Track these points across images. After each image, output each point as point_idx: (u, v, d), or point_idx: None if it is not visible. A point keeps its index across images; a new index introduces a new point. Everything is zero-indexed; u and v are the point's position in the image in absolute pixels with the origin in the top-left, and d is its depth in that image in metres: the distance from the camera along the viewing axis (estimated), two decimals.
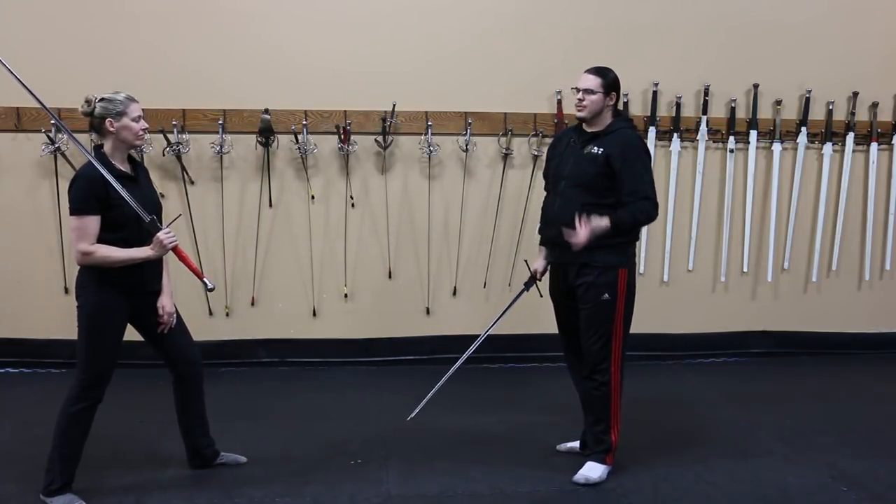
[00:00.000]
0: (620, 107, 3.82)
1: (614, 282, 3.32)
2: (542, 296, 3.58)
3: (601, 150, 3.31)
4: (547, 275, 3.59)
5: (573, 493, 3.30)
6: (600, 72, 3.35)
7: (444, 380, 3.61)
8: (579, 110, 3.36)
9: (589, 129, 3.40)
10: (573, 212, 3.25)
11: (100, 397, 3.08)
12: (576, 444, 3.67)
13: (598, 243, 3.27)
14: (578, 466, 3.43)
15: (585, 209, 3.25)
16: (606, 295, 3.32)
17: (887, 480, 3.44)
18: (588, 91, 3.32)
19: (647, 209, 3.32)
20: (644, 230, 5.00)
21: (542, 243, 3.60)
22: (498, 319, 3.68)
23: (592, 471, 3.37)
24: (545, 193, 3.57)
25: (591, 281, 3.33)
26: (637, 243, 3.54)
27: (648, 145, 4.94)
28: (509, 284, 4.96)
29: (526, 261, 3.69)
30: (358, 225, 4.93)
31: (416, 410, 3.59)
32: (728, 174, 5.09)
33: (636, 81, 4.91)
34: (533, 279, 3.62)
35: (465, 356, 3.66)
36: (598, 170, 3.29)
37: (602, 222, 3.23)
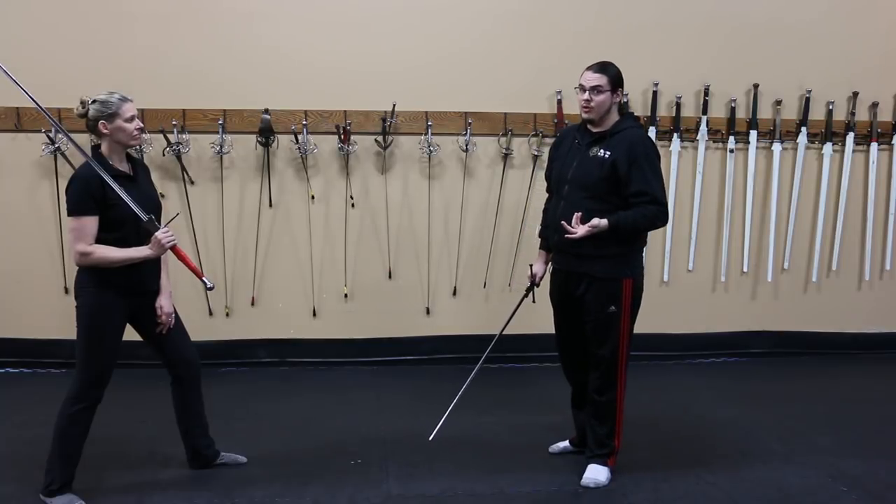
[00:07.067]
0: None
1: (619, 293, 3.25)
2: (534, 302, 3.50)
3: (607, 153, 3.17)
4: (547, 277, 3.52)
5: (573, 494, 3.31)
6: (605, 68, 3.20)
7: (460, 393, 3.55)
8: (587, 111, 3.21)
9: (594, 130, 3.26)
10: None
11: (99, 398, 3.08)
12: (566, 443, 3.67)
13: (601, 252, 3.19)
14: (578, 466, 3.43)
15: (589, 215, 3.15)
16: (612, 308, 3.25)
17: (887, 480, 3.44)
18: (596, 90, 3.17)
19: (653, 213, 3.18)
20: None
21: (542, 247, 3.54)
22: (503, 329, 3.62)
23: (599, 474, 3.35)
24: (547, 195, 3.50)
25: (595, 292, 3.26)
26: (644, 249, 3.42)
27: None
28: (509, 285, 4.96)
29: (531, 265, 3.56)
30: (358, 225, 4.93)
31: (437, 430, 3.48)
32: (728, 174, 5.09)
33: (636, 81, 4.90)
34: (532, 284, 3.52)
35: (476, 369, 3.59)
36: (604, 174, 3.17)
37: (600, 222, 3.12)
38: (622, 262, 3.26)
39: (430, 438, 3.47)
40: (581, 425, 3.59)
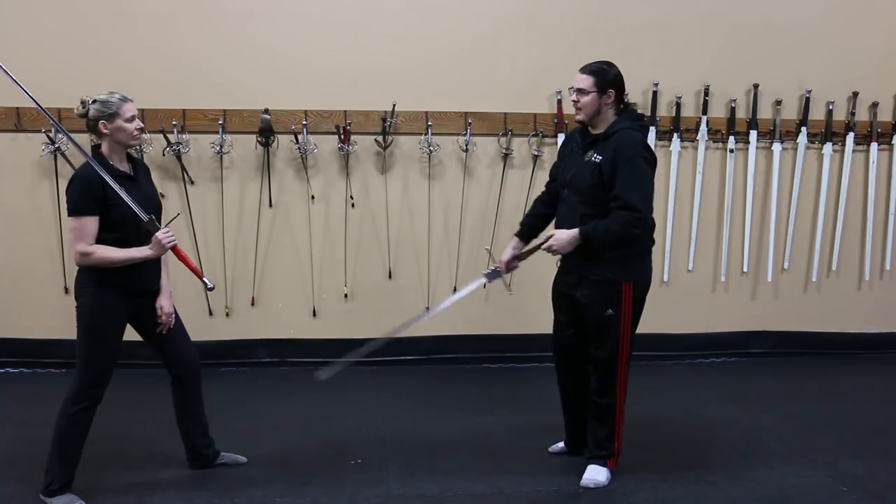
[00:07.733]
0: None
1: (617, 297, 3.22)
2: (511, 293, 3.48)
3: (598, 157, 3.14)
4: (550, 277, 3.53)
5: (573, 494, 3.31)
6: (594, 70, 3.17)
7: (369, 347, 3.46)
8: (576, 113, 3.24)
9: (592, 132, 3.24)
10: (574, 221, 3.19)
11: (99, 398, 3.08)
12: (562, 444, 3.66)
13: (596, 255, 3.17)
14: (578, 466, 3.43)
15: (584, 219, 3.16)
16: (610, 311, 3.23)
17: (887, 480, 3.44)
18: (581, 91, 3.16)
19: (626, 220, 3.06)
20: None
21: (517, 233, 3.52)
22: (441, 308, 3.59)
23: (599, 474, 3.35)
24: (545, 188, 3.52)
25: (593, 294, 3.25)
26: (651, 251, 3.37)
27: None
28: (508, 285, 4.94)
29: (488, 249, 3.52)
30: (358, 225, 4.93)
31: (332, 372, 3.38)
32: (728, 174, 5.09)
33: (636, 81, 4.89)
34: (496, 271, 3.47)
35: (399, 330, 3.55)
36: (594, 180, 3.14)
37: (562, 236, 3.16)
38: (620, 265, 3.22)
39: (322, 377, 3.34)
40: (570, 429, 3.59)
